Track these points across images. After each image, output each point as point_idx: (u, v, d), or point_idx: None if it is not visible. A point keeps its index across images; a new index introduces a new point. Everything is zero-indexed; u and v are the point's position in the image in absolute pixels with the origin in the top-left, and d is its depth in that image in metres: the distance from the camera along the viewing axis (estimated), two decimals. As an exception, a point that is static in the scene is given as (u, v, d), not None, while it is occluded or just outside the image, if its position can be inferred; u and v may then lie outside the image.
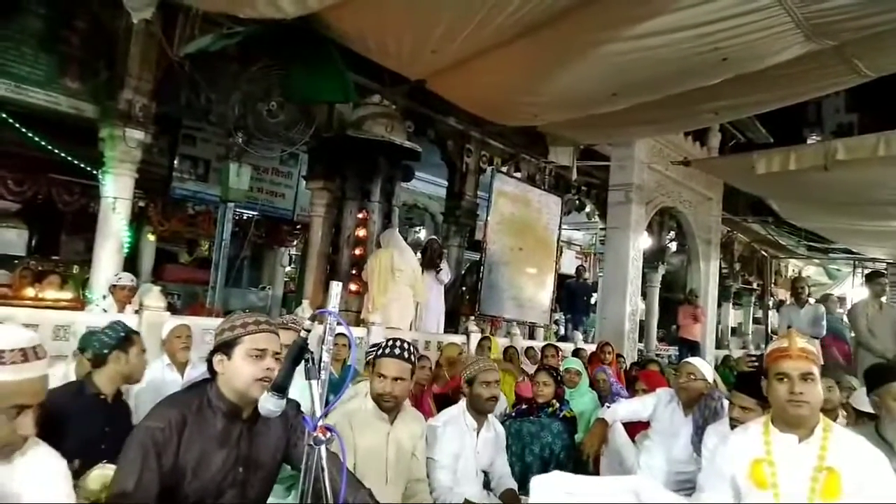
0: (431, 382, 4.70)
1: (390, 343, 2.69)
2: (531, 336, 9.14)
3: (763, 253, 14.87)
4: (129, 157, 5.47)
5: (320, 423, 1.47)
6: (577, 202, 10.88)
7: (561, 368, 4.68)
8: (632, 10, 4.36)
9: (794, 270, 17.00)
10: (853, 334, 7.01)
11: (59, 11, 5.87)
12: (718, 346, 12.02)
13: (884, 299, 6.58)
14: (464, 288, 9.62)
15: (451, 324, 8.07)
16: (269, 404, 1.57)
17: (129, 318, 4.28)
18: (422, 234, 12.76)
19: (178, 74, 5.67)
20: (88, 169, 6.11)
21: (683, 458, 3.32)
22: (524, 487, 3.04)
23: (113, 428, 2.47)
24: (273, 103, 6.12)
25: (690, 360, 3.63)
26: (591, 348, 7.35)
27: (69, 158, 6.33)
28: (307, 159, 7.88)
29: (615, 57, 4.94)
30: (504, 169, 8.88)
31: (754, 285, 16.03)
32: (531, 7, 4.16)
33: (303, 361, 1.55)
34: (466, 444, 3.00)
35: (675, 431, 3.41)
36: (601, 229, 11.60)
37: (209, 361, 1.87)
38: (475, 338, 6.61)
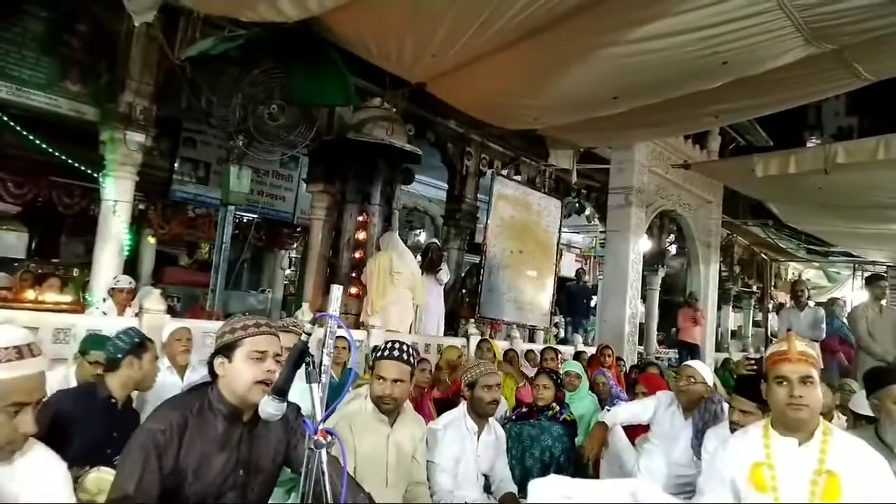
0: (431, 385, 4.69)
1: (389, 345, 2.69)
2: (531, 339, 9.13)
3: (763, 256, 14.85)
4: (129, 160, 5.49)
5: (321, 427, 1.47)
6: (577, 205, 10.90)
7: (561, 371, 4.67)
8: (632, 13, 4.36)
9: (793, 273, 16.97)
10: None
11: (61, 14, 5.89)
12: (718, 349, 11.99)
13: (884, 302, 6.59)
14: (464, 291, 9.61)
15: (451, 327, 8.06)
16: (270, 408, 1.57)
17: (129, 321, 4.28)
18: (422, 237, 12.79)
19: (178, 77, 5.69)
20: (89, 172, 6.10)
21: (683, 461, 3.32)
22: (524, 491, 3.01)
23: (120, 433, 2.45)
24: (274, 106, 6.12)
25: (690, 363, 3.63)
26: (590, 351, 7.34)
27: (70, 161, 6.32)
28: (307, 162, 7.87)
29: (616, 60, 4.93)
30: (504, 172, 8.89)
31: (754, 288, 16.01)
32: (532, 11, 4.15)
33: (303, 365, 1.55)
34: (467, 448, 2.99)
35: (675, 435, 3.41)
36: (601, 232, 11.61)
37: (210, 364, 1.87)
38: (475, 340, 6.60)
